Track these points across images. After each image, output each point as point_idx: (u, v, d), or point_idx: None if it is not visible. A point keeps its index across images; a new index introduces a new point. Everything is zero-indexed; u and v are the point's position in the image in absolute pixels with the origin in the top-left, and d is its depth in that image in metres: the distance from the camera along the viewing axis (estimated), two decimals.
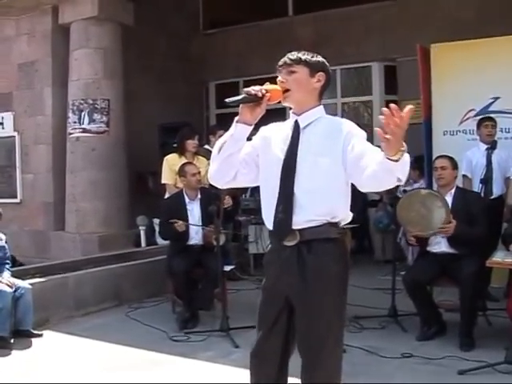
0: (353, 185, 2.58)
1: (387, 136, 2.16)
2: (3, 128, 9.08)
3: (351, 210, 2.67)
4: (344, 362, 4.26)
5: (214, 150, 2.64)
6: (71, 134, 8.24)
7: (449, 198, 4.96)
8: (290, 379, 2.75)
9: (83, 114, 8.12)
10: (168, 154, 6.65)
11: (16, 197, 9.00)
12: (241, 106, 2.52)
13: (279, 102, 2.62)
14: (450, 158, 5.18)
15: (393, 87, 9.37)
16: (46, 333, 5.33)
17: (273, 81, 2.67)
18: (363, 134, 2.56)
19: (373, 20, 9.25)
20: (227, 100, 2.51)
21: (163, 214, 5.79)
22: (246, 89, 2.49)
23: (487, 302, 5.45)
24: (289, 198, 2.56)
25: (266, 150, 2.67)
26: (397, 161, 2.22)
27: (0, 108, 9.07)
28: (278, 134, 2.69)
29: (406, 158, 2.25)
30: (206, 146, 7.18)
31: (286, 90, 2.59)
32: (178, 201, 5.74)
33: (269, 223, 2.65)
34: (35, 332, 5.22)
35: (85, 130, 8.13)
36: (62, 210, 8.43)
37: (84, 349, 4.97)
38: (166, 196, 6.31)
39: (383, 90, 9.57)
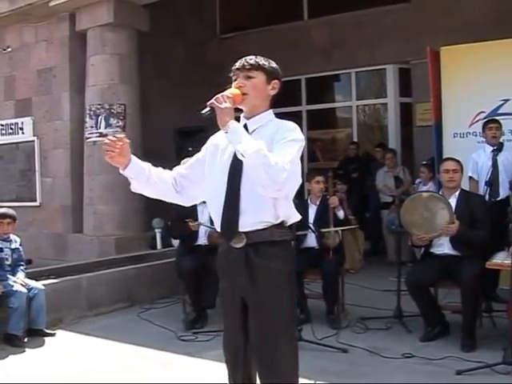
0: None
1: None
2: (23, 133, 9.30)
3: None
4: (344, 362, 4.42)
5: None
6: (88, 138, 8.41)
7: (453, 200, 5.00)
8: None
9: (100, 118, 8.29)
10: (183, 158, 6.71)
11: (35, 200, 9.21)
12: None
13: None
14: (459, 162, 5.20)
15: (407, 89, 9.38)
16: (59, 332, 5.49)
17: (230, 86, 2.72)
18: (292, 137, 2.56)
19: (387, 23, 9.27)
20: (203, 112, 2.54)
21: (175, 213, 5.90)
22: (210, 101, 2.53)
23: (496, 303, 5.48)
24: (235, 200, 2.59)
25: (214, 154, 2.73)
26: (227, 132, 2.48)
27: (20, 113, 9.31)
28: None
29: (232, 126, 2.47)
30: None
31: (243, 94, 2.64)
32: None
33: (217, 225, 2.69)
34: (48, 331, 5.37)
35: (101, 135, 8.26)
36: (80, 213, 8.59)
37: (94, 348, 5.11)
38: None
39: (398, 92, 9.58)
